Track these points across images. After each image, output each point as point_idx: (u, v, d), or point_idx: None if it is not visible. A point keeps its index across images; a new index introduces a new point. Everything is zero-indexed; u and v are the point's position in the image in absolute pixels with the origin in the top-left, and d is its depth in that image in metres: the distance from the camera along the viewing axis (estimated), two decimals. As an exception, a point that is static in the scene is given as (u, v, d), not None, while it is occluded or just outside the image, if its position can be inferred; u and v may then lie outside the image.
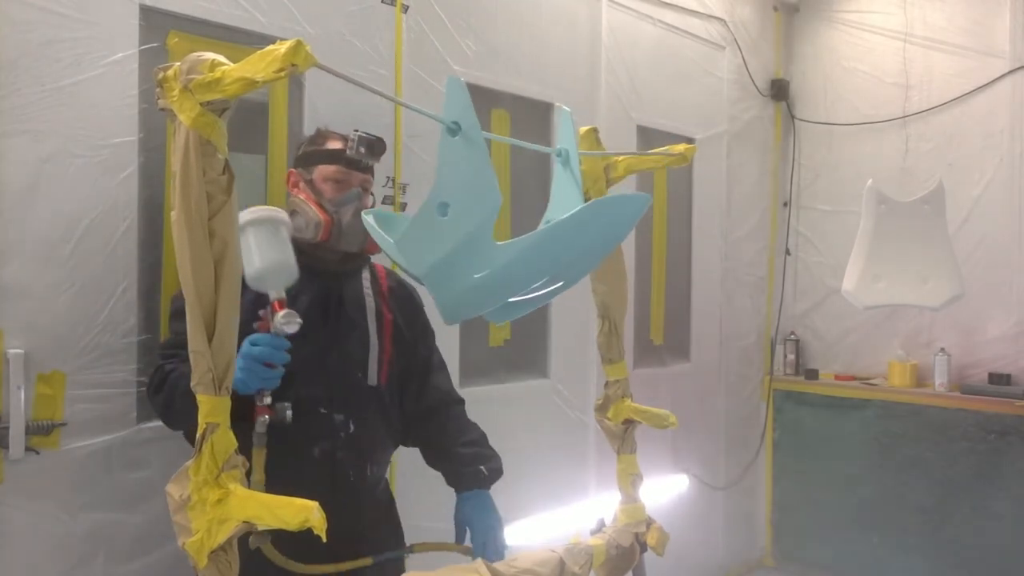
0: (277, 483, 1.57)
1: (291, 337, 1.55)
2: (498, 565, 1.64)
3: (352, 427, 1.76)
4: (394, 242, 1.37)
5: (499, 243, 1.27)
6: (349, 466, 1.78)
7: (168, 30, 2.00)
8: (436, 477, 2.67)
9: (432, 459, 2.01)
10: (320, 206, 1.74)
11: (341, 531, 1.54)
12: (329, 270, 1.80)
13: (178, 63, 1.16)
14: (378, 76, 2.45)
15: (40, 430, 1.74)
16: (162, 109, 1.18)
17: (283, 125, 2.26)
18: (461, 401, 2.07)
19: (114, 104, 1.88)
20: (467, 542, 1.84)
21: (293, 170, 1.86)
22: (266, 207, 1.60)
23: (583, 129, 1.84)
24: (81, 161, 1.83)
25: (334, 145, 1.81)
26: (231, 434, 1.20)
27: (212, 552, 1.15)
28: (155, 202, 1.98)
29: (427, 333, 2.03)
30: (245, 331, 1.49)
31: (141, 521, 1.89)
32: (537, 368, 3.09)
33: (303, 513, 1.10)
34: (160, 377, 1.64)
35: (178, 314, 1.68)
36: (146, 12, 1.94)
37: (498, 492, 2.85)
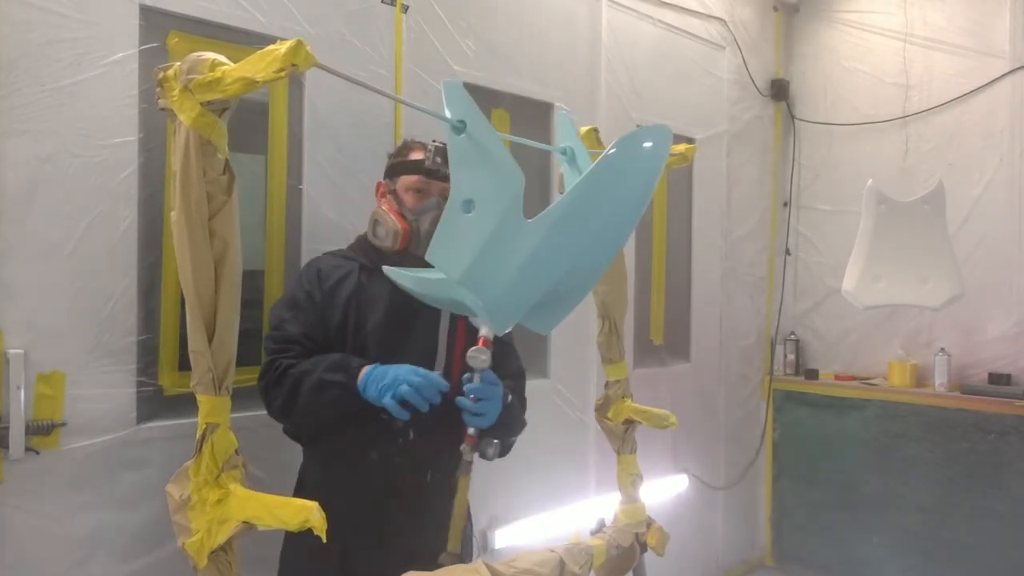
0: (335, 484, 1.75)
1: (364, 338, 1.77)
2: (498, 565, 1.64)
3: (412, 434, 1.76)
4: (427, 255, 1.34)
5: (532, 220, 1.25)
6: (407, 471, 1.79)
7: (168, 30, 2.00)
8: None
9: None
10: (400, 215, 1.83)
11: (398, 535, 1.73)
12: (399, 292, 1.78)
13: (178, 63, 1.16)
14: (378, 76, 2.45)
15: (40, 430, 1.74)
16: (162, 109, 1.18)
17: (283, 125, 2.26)
18: (522, 375, 2.05)
19: (114, 104, 1.87)
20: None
21: (381, 181, 1.95)
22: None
23: (583, 129, 1.84)
24: (81, 161, 1.83)
25: (416, 156, 1.87)
26: (231, 434, 1.20)
27: (212, 552, 1.15)
28: (155, 202, 1.98)
29: (507, 345, 2.00)
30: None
31: (141, 521, 1.89)
32: (537, 368, 3.09)
33: (303, 513, 1.10)
34: (278, 373, 1.71)
35: (291, 305, 1.82)
36: (146, 12, 1.94)
37: (498, 492, 2.86)
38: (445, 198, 1.71)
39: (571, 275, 1.39)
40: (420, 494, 1.81)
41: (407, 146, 1.94)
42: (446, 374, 1.80)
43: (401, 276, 1.62)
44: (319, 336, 1.79)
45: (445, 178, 1.79)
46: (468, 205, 1.25)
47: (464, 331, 1.86)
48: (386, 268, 1.72)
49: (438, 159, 1.81)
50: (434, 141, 1.83)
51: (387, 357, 1.71)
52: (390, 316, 1.81)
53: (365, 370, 1.65)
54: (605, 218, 1.32)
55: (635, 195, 1.36)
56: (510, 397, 1.81)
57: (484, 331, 1.53)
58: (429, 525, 1.80)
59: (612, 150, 1.26)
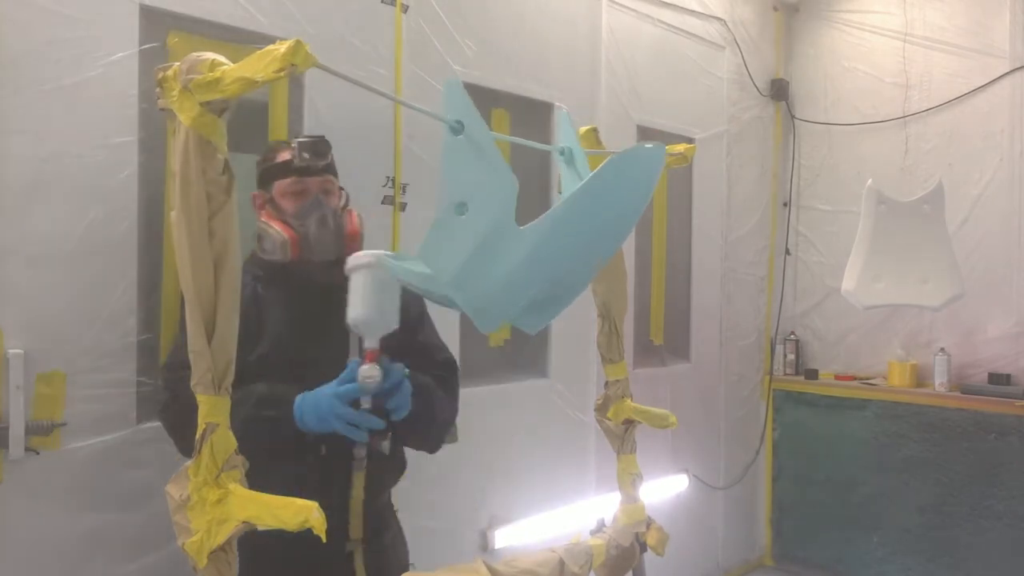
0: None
1: (269, 350, 1.62)
2: (498, 565, 1.64)
3: (323, 449, 1.60)
4: (418, 254, 1.34)
5: (524, 227, 1.26)
6: (321, 490, 1.56)
7: (168, 30, 2.01)
8: (436, 478, 2.68)
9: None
10: (285, 223, 1.68)
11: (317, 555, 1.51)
12: (315, 283, 1.71)
13: (178, 63, 1.16)
14: (378, 76, 2.45)
15: (40, 430, 1.74)
16: (162, 109, 1.18)
17: (283, 125, 2.26)
18: (454, 366, 1.97)
19: (114, 104, 1.88)
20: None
21: (256, 192, 1.78)
22: (374, 254, 1.49)
23: (583, 129, 1.84)
24: (81, 161, 1.83)
25: (284, 157, 1.72)
26: (231, 434, 1.19)
27: (212, 552, 1.15)
28: (155, 202, 1.98)
29: (423, 319, 1.92)
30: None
31: (141, 521, 1.89)
32: (537, 368, 3.09)
33: (303, 513, 1.10)
34: (183, 407, 1.42)
35: (178, 330, 1.63)
36: (146, 12, 1.94)
37: (499, 492, 2.87)
38: (328, 192, 1.75)
39: (561, 280, 1.40)
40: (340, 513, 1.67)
41: (273, 149, 1.79)
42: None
43: (401, 271, 1.57)
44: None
45: (319, 172, 1.71)
46: (461, 207, 1.25)
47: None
48: (390, 263, 1.54)
49: (305, 155, 1.67)
50: (299, 138, 1.71)
51: (295, 369, 1.60)
52: (295, 326, 1.68)
53: (296, 401, 1.52)
54: (598, 227, 1.34)
55: (627, 209, 1.39)
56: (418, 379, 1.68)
57: (368, 343, 1.47)
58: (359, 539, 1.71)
59: (607, 163, 1.27)
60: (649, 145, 1.32)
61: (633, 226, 1.46)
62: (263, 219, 1.72)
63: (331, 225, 1.70)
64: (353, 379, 1.46)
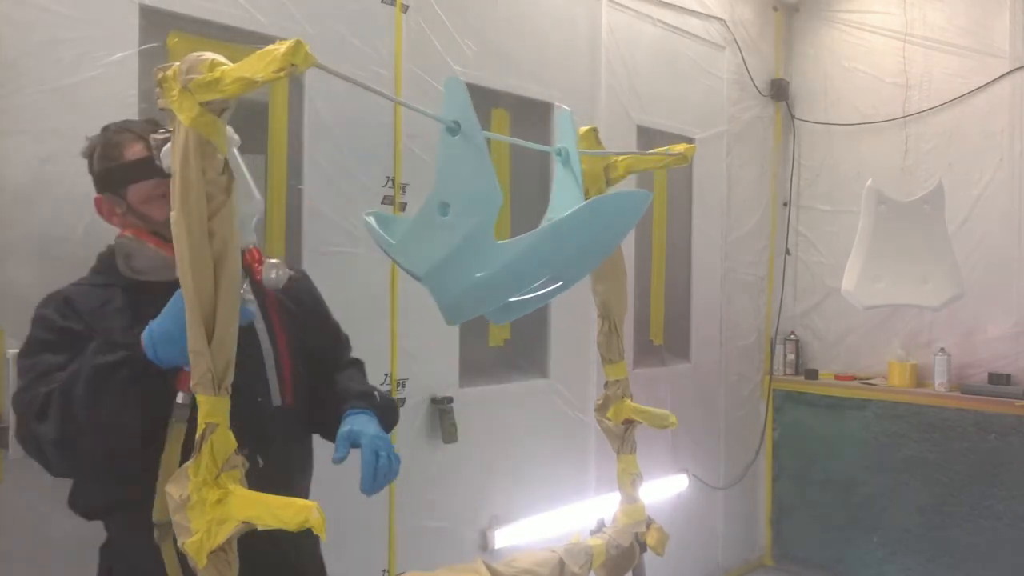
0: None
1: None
2: (498, 565, 1.64)
3: (260, 461, 1.43)
4: (396, 243, 1.36)
5: (500, 242, 1.27)
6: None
7: (168, 30, 2.01)
8: (436, 478, 2.68)
9: (320, 421, 1.64)
10: (157, 237, 1.44)
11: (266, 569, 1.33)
12: None
13: (178, 63, 1.16)
14: (378, 76, 2.45)
15: (40, 430, 1.73)
16: (162, 109, 1.18)
17: (283, 125, 2.26)
18: (361, 364, 1.86)
19: (114, 104, 1.87)
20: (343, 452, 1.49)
21: (101, 197, 1.50)
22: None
23: (583, 129, 1.84)
24: (81, 161, 1.82)
25: (136, 153, 1.45)
26: (231, 434, 1.19)
27: (212, 552, 1.15)
28: (155, 202, 1.98)
29: (319, 315, 1.76)
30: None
31: (141, 521, 1.89)
32: (537, 368, 3.10)
33: (303, 513, 1.10)
34: (38, 403, 1.31)
35: (43, 346, 1.38)
36: (146, 12, 1.94)
37: (499, 492, 2.87)
38: None
39: (534, 292, 1.44)
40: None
41: (113, 144, 1.47)
42: (282, 392, 1.54)
43: (385, 243, 1.46)
44: None
45: None
46: (445, 208, 1.26)
47: (286, 345, 1.58)
48: (367, 220, 1.45)
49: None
50: (155, 134, 1.38)
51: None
52: None
53: (143, 334, 1.29)
54: (571, 256, 1.36)
55: (603, 243, 1.43)
56: (376, 394, 1.63)
57: (253, 239, 1.41)
58: (290, 550, 1.55)
59: (591, 203, 1.31)
60: (635, 195, 1.35)
61: (608, 254, 1.50)
62: (128, 234, 1.46)
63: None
64: None
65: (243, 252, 1.33)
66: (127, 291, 1.46)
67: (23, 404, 1.35)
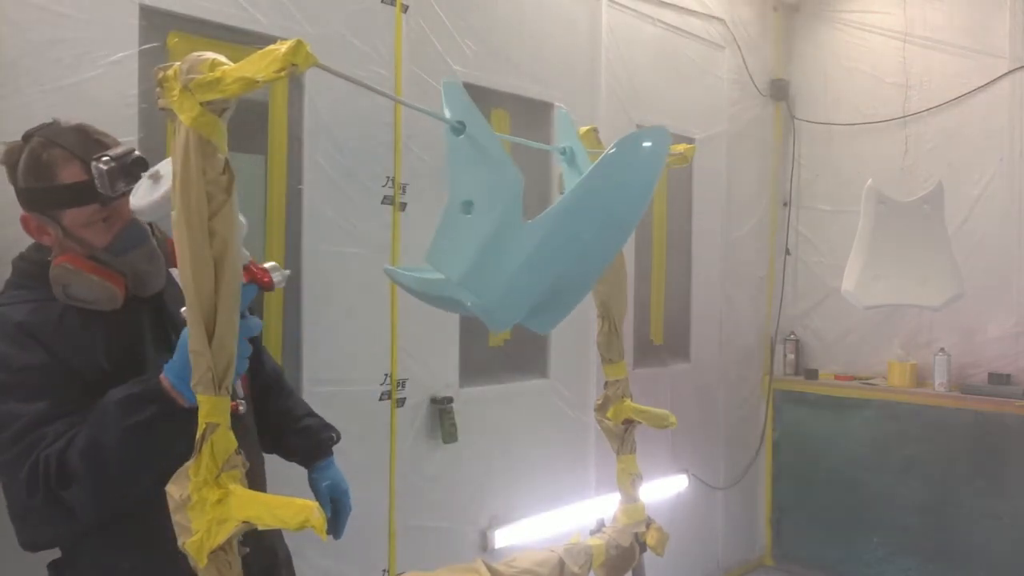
0: (156, 537, 1.24)
1: (114, 376, 1.30)
2: (498, 565, 1.64)
3: (247, 463, 1.40)
4: (426, 258, 1.33)
5: (530, 221, 1.26)
6: None
7: (168, 30, 2.01)
8: (436, 478, 2.68)
9: (275, 439, 1.74)
10: (97, 264, 1.35)
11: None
12: (135, 313, 1.41)
13: (178, 63, 1.16)
14: (378, 76, 2.45)
15: (40, 430, 1.73)
16: (162, 109, 1.18)
17: (283, 125, 2.26)
18: (282, 372, 1.89)
19: (114, 104, 1.88)
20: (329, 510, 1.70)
21: (29, 215, 1.37)
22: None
23: (583, 129, 1.84)
24: (81, 161, 1.82)
25: (72, 175, 1.33)
26: (231, 434, 1.19)
27: (212, 552, 1.15)
28: (155, 202, 1.98)
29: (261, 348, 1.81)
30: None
31: (141, 521, 1.89)
32: (537, 368, 3.10)
33: (303, 513, 1.10)
34: (54, 469, 1.23)
35: (7, 392, 1.27)
36: (146, 12, 1.94)
37: (499, 492, 2.86)
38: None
39: (570, 275, 1.40)
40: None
41: (44, 165, 1.33)
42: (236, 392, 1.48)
43: (402, 277, 1.59)
44: (70, 397, 1.30)
45: (127, 192, 1.32)
46: (467, 206, 1.25)
47: None
48: (387, 269, 1.58)
49: (119, 184, 1.30)
50: (98, 160, 1.29)
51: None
52: (151, 353, 1.41)
53: (164, 379, 1.25)
54: (604, 219, 1.33)
55: (634, 197, 1.36)
56: (333, 435, 1.78)
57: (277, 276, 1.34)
58: (272, 555, 1.61)
59: (611, 151, 1.27)
60: (650, 132, 1.31)
61: (640, 214, 1.39)
62: (64, 263, 1.33)
63: (160, 254, 1.42)
64: None
65: (245, 266, 1.29)
66: (70, 308, 1.36)
67: (26, 475, 1.23)
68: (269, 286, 1.35)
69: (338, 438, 1.80)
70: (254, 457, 1.54)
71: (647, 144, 1.31)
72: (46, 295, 1.36)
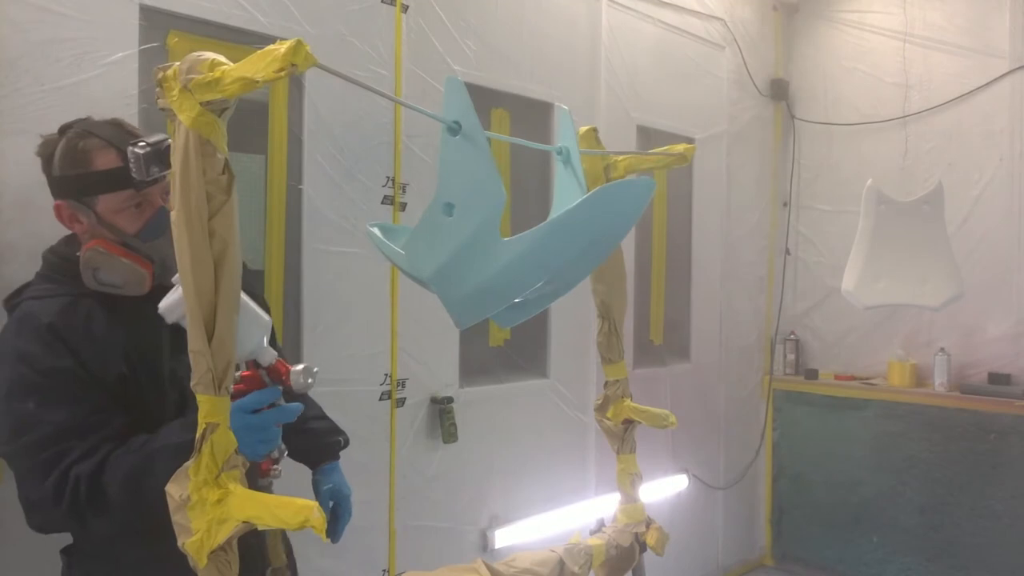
0: (165, 531, 1.19)
1: (162, 387, 1.37)
2: (497, 565, 1.65)
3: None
4: (401, 248, 1.35)
5: (505, 240, 1.27)
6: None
7: (168, 30, 2.01)
8: (436, 478, 2.68)
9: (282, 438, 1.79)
10: (128, 249, 1.41)
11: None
12: (156, 305, 1.35)
13: (178, 63, 1.16)
14: (378, 76, 2.45)
15: (40, 430, 1.73)
16: (162, 109, 1.18)
17: (283, 125, 2.26)
18: None
19: (114, 104, 1.87)
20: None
21: (63, 203, 1.42)
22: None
23: (583, 129, 1.84)
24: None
25: (108, 162, 1.39)
26: (231, 434, 1.19)
27: (212, 552, 1.15)
28: (155, 202, 1.98)
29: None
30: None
31: (141, 521, 1.89)
32: (537, 368, 3.10)
33: (303, 513, 1.10)
34: (84, 490, 1.25)
35: (30, 390, 1.30)
36: (146, 12, 1.94)
37: (499, 492, 2.87)
38: (167, 194, 1.40)
39: (541, 289, 1.42)
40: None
41: (82, 152, 1.39)
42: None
43: (388, 249, 1.49)
44: (94, 406, 1.33)
45: (160, 179, 1.39)
46: (449, 208, 1.26)
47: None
48: (370, 230, 1.47)
49: (153, 168, 1.35)
50: (133, 145, 1.35)
51: (158, 385, 1.41)
52: (149, 343, 1.42)
53: None
54: (580, 248, 1.35)
55: (613, 231, 1.41)
56: (340, 439, 1.78)
57: (270, 357, 1.33)
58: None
59: (593, 195, 1.29)
60: (638, 183, 1.34)
61: (615, 247, 1.46)
62: (96, 246, 1.39)
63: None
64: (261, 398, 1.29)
65: (271, 366, 1.32)
66: (99, 300, 1.40)
67: (53, 486, 1.25)
68: (288, 384, 1.34)
69: (346, 443, 1.80)
70: None
71: (631, 195, 1.35)
72: (74, 289, 1.41)
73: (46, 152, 1.43)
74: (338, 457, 1.77)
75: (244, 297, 1.26)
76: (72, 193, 1.41)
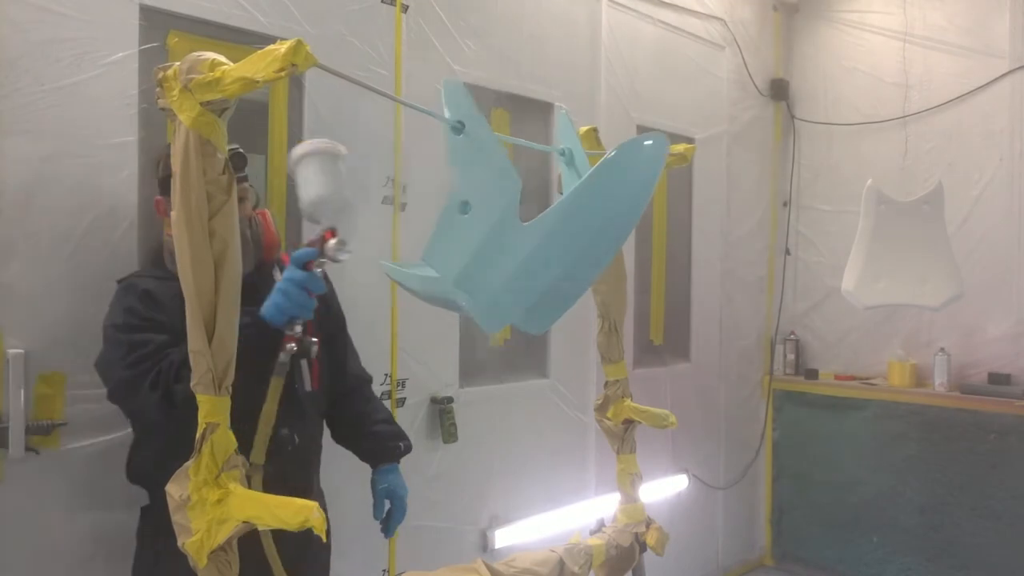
0: None
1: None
2: (497, 565, 1.65)
3: (297, 439, 1.72)
4: (422, 257, 1.34)
5: (526, 224, 1.26)
6: (300, 481, 1.74)
7: (168, 30, 2.01)
8: (436, 478, 2.68)
9: (344, 436, 1.99)
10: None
11: (295, 549, 1.54)
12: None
13: (178, 63, 1.16)
14: (378, 76, 2.45)
15: (40, 430, 1.74)
16: (162, 109, 1.19)
17: (283, 125, 2.26)
18: (370, 380, 2.09)
19: (114, 104, 1.88)
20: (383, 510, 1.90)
21: (161, 198, 1.68)
22: (324, 140, 1.51)
23: (583, 129, 1.85)
24: (81, 161, 1.83)
25: None
26: (231, 434, 1.20)
27: (212, 552, 1.15)
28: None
29: (341, 318, 2.01)
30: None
31: (141, 521, 1.89)
32: (537, 368, 3.09)
33: (303, 513, 1.11)
34: (174, 362, 1.48)
35: (140, 326, 1.58)
36: (146, 12, 1.94)
37: (499, 492, 2.86)
38: (243, 198, 1.66)
39: (566, 277, 1.40)
40: (311, 497, 1.59)
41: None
42: (311, 378, 1.78)
43: (405, 276, 1.58)
44: (180, 340, 1.44)
45: (241, 180, 1.64)
46: (465, 206, 1.26)
47: (313, 335, 1.65)
48: (384, 265, 1.61)
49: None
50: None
51: (251, 384, 1.46)
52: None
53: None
54: (602, 222, 1.33)
55: (632, 200, 1.38)
56: (401, 445, 1.96)
57: (327, 223, 1.47)
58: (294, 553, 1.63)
59: (611, 154, 1.27)
60: (650, 137, 1.32)
61: (637, 219, 1.44)
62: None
63: (248, 236, 1.67)
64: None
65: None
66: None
67: (153, 375, 1.49)
68: (327, 254, 1.46)
69: (407, 449, 1.96)
70: (306, 435, 1.78)
71: (647, 144, 1.32)
72: (169, 275, 1.62)
73: (158, 158, 1.71)
74: (398, 460, 1.93)
75: (343, 172, 1.45)
76: (165, 190, 1.63)
